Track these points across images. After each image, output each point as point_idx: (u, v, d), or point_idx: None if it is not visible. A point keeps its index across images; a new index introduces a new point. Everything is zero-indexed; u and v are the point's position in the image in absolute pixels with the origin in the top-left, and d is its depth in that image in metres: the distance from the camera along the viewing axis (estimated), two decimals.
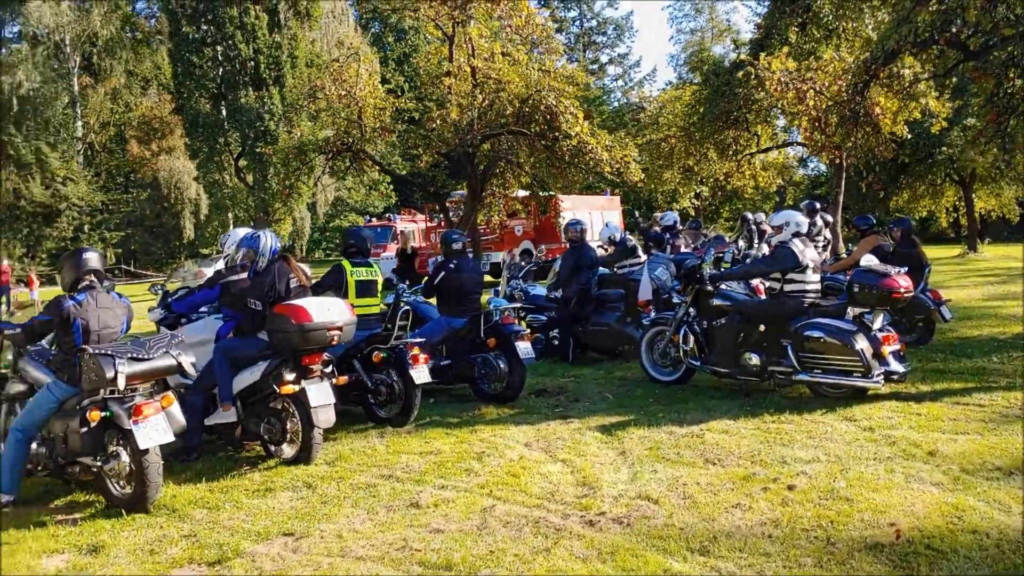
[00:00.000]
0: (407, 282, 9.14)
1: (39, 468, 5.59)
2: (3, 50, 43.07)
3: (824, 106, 15.44)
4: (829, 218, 14.31)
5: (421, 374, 7.21)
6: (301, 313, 6.09)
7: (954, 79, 15.15)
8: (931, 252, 12.45)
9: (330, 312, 6.26)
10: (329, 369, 6.46)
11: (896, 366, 7.18)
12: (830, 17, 18.12)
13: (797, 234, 7.74)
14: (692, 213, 36.39)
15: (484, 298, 8.76)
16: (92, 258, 5.71)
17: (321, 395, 6.16)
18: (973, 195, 31.72)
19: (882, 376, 7.07)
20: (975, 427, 6.24)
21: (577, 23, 60.22)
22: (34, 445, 5.50)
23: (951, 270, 22.09)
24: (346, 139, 17.49)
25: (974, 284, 17.66)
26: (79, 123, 44.33)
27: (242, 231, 7.10)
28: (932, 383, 7.81)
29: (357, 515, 5.01)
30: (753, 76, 16.76)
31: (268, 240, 6.65)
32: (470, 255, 9.51)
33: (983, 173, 29.18)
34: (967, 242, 32.07)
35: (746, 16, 78.23)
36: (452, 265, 8.33)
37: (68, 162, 42.39)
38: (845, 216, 22.11)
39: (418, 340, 7.52)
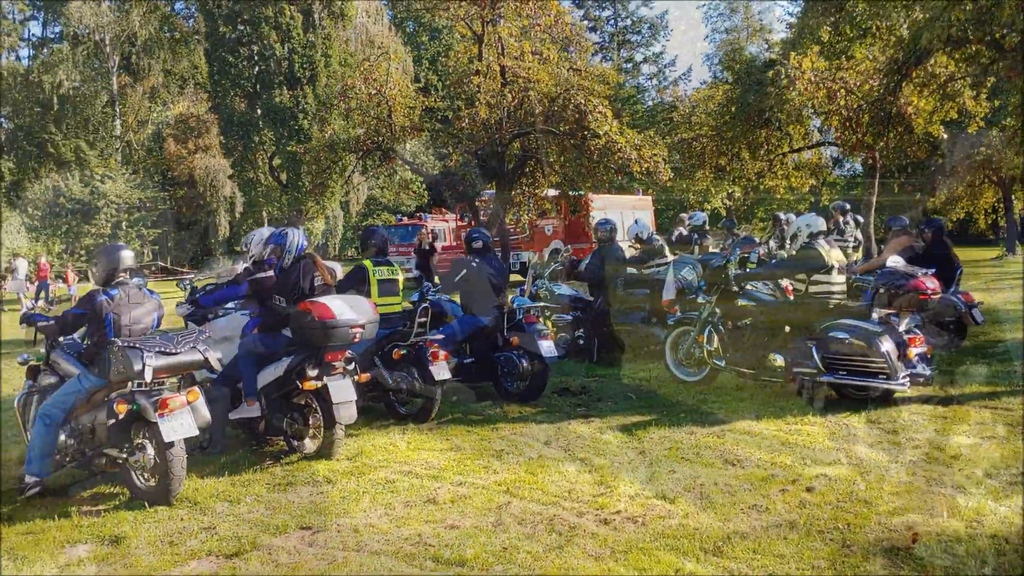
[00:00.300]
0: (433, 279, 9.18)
1: (68, 460, 5.70)
2: (46, 50, 43.97)
3: (856, 105, 15.25)
4: (860, 219, 14.16)
5: (441, 371, 7.25)
6: (324, 310, 6.14)
7: (992, 78, 14.88)
8: (968, 254, 12.26)
9: (353, 310, 6.31)
10: (351, 366, 6.51)
11: (922, 368, 7.08)
12: (863, 15, 17.85)
13: (815, 235, 7.67)
14: (724, 213, 36.10)
15: (508, 297, 8.77)
16: (126, 255, 5.84)
17: (343, 391, 6.20)
18: (1012, 196, 31.09)
19: (908, 378, 6.96)
20: (1001, 431, 6.16)
21: (611, 22, 60.00)
22: (63, 436, 5.61)
23: (987, 273, 21.67)
24: (376, 138, 17.58)
25: (1010, 287, 17.32)
26: (118, 122, 45.08)
27: (267, 230, 7.20)
28: (960, 386, 7.70)
29: (374, 510, 5.07)
30: (784, 75, 16.60)
31: (295, 238, 6.74)
32: (497, 253, 9.52)
33: (1018, 174, 28.55)
34: (1005, 244, 31.45)
35: (779, 15, 77.43)
36: (474, 263, 8.33)
37: (107, 160, 43.17)
38: (880, 217, 21.79)
39: (438, 337, 7.57)
